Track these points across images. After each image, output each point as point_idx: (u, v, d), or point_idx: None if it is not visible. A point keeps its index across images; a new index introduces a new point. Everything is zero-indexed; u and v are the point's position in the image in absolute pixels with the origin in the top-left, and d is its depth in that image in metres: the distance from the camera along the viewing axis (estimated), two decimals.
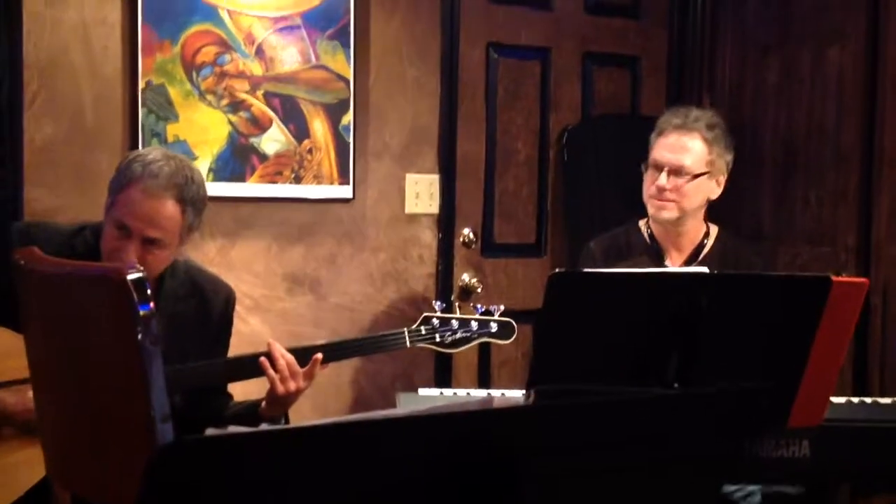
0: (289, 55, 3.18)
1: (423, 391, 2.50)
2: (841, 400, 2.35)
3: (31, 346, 1.53)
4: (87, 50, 2.94)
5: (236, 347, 2.36)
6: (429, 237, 3.51)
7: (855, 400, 2.39)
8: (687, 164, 2.58)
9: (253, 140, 3.16)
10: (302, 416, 2.72)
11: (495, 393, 2.54)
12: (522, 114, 3.66)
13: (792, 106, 3.59)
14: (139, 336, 1.22)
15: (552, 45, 3.69)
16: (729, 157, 2.66)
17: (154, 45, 2.99)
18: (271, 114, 3.17)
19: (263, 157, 3.18)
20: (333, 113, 3.26)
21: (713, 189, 2.64)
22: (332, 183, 3.28)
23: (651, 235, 2.70)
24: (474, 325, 2.29)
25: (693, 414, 1.21)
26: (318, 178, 3.26)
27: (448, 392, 2.55)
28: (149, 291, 1.24)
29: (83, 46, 2.93)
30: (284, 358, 2.14)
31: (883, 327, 3.25)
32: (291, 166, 3.21)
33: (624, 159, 2.78)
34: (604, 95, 3.81)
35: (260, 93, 3.15)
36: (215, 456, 0.80)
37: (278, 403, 2.17)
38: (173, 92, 3.02)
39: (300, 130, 3.22)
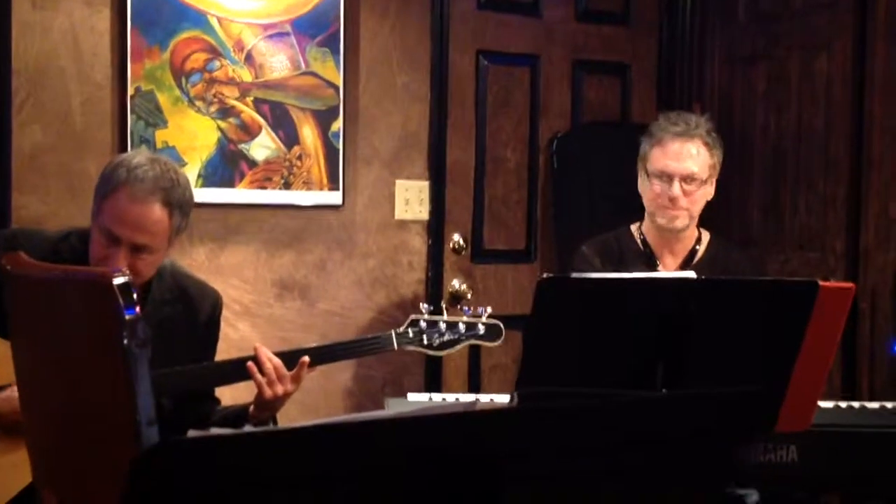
0: (278, 62, 3.18)
1: (411, 396, 2.50)
2: (829, 405, 2.36)
3: (17, 351, 1.53)
4: (76, 56, 2.94)
5: (226, 353, 2.36)
6: (418, 243, 3.51)
7: (843, 405, 2.40)
8: (696, 171, 2.58)
9: (242, 146, 3.16)
10: (291, 420, 2.71)
11: (484, 398, 2.54)
12: (512, 121, 3.66)
13: (780, 113, 3.61)
14: (125, 340, 1.21)
15: (542, 52, 3.70)
16: (721, 159, 2.68)
17: (143, 52, 2.99)
18: (261, 120, 3.18)
19: (253, 164, 3.18)
20: (323, 119, 3.26)
21: (711, 192, 2.66)
22: (321, 189, 3.28)
23: (644, 241, 2.70)
24: (462, 327, 2.28)
25: (679, 418, 1.21)
26: (307, 185, 3.26)
27: (437, 397, 2.55)
28: (135, 296, 1.24)
29: (72, 53, 2.93)
30: (271, 362, 2.14)
31: (872, 332, 3.25)
32: (281, 172, 3.22)
33: (614, 166, 2.79)
34: (593, 102, 3.82)
35: (249, 99, 3.15)
36: (199, 458, 0.80)
37: (266, 407, 2.17)
38: (162, 98, 3.03)
39: (290, 137, 3.22)
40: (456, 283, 3.55)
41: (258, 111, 3.17)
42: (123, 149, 2.98)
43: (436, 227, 3.52)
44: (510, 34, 3.63)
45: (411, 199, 3.47)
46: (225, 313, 2.40)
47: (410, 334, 2.26)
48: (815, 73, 3.47)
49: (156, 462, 0.79)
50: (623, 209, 2.77)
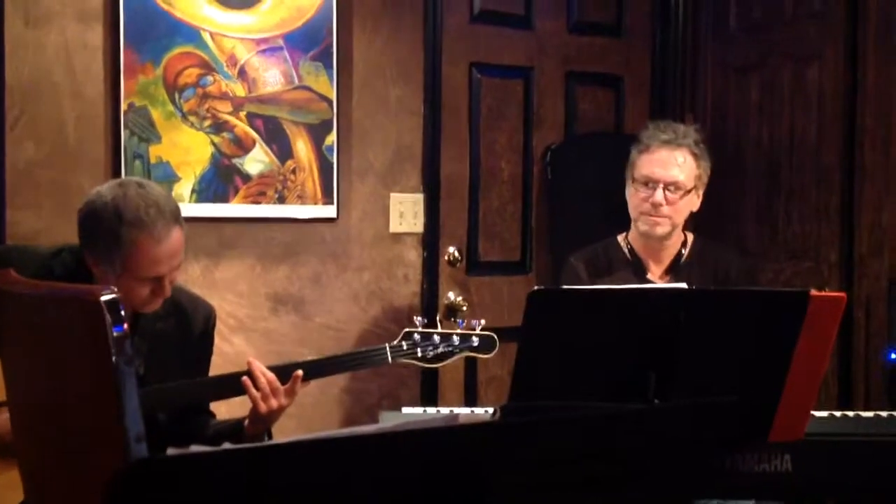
0: (271, 76, 3.19)
1: (406, 410, 2.49)
2: (823, 414, 2.36)
3: (6, 368, 1.53)
4: (70, 72, 2.95)
5: (221, 368, 2.36)
6: (413, 256, 3.51)
7: (837, 414, 2.39)
8: (681, 180, 2.60)
9: (236, 161, 3.16)
10: (286, 434, 2.70)
11: (479, 411, 2.54)
12: (506, 133, 3.67)
13: (773, 124, 3.62)
14: (113, 357, 1.21)
15: (535, 64, 3.71)
16: (709, 170, 2.69)
17: (136, 68, 3.00)
18: (254, 135, 3.18)
19: (247, 178, 3.18)
20: (317, 133, 3.27)
21: (696, 202, 2.68)
22: (315, 203, 3.28)
23: (631, 250, 2.71)
24: (456, 339, 2.28)
25: (668, 429, 1.22)
26: (301, 199, 3.26)
27: (432, 410, 2.55)
28: (122, 312, 1.24)
29: (65, 69, 2.94)
30: (265, 376, 2.14)
31: (866, 342, 3.26)
32: (275, 186, 3.22)
33: (608, 177, 2.79)
34: (587, 114, 3.83)
35: (243, 114, 3.16)
36: (176, 475, 0.80)
37: (261, 421, 2.17)
38: (156, 114, 3.03)
39: (283, 151, 3.23)
40: (451, 296, 3.55)
41: (252, 126, 3.18)
42: (117, 165, 2.99)
43: (430, 240, 3.52)
44: (503, 47, 3.65)
45: (406, 211, 3.47)
46: (220, 328, 2.40)
47: (404, 347, 2.26)
48: (807, 82, 3.48)
49: (133, 479, 0.79)
50: (618, 220, 2.78)
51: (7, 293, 1.48)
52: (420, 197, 3.50)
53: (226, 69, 3.13)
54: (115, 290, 1.27)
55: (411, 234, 3.50)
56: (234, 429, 2.24)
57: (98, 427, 1.28)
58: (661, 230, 2.62)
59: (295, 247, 3.31)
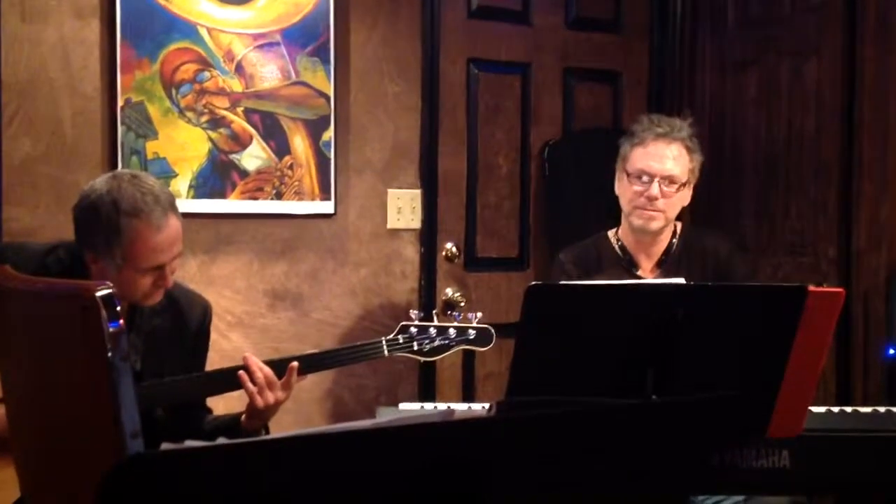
0: (269, 72, 3.18)
1: (403, 405, 2.49)
2: (821, 409, 2.35)
3: (2, 364, 1.52)
4: (66, 68, 2.94)
5: (218, 364, 2.35)
6: (411, 252, 3.51)
7: (835, 409, 2.39)
8: (676, 174, 2.60)
9: (233, 156, 3.16)
10: (284, 430, 2.71)
11: (476, 406, 2.53)
12: (503, 129, 3.67)
13: (771, 119, 3.61)
14: (108, 353, 1.21)
15: (532, 59, 3.70)
16: (701, 165, 2.69)
17: (133, 63, 2.99)
18: (251, 130, 3.17)
19: (244, 174, 3.17)
20: (314, 129, 3.26)
21: (688, 197, 2.67)
22: (313, 199, 3.28)
23: (622, 246, 2.71)
24: (452, 332, 2.28)
25: (665, 424, 1.21)
26: (299, 195, 3.25)
27: (429, 406, 2.54)
28: (118, 307, 1.23)
29: (62, 65, 2.93)
30: (262, 371, 2.14)
31: (865, 337, 3.25)
32: (272, 182, 3.21)
33: (605, 173, 2.79)
34: (585, 110, 3.82)
35: (240, 109, 3.15)
36: (169, 470, 0.79)
37: (258, 416, 2.18)
38: (152, 109, 3.02)
39: (281, 147, 3.22)
40: (449, 292, 3.55)
41: (249, 121, 3.17)
42: (114, 160, 2.98)
43: (428, 236, 3.51)
44: (501, 42, 3.64)
45: (403, 207, 3.47)
46: (217, 324, 2.40)
47: (400, 341, 2.26)
48: (805, 77, 3.48)
49: (127, 475, 0.79)
50: (615, 216, 2.78)
51: (3, 289, 1.48)
52: (418, 193, 3.49)
53: (223, 65, 3.12)
54: (111, 284, 1.27)
55: (409, 231, 3.49)
56: (231, 424, 2.24)
57: (94, 423, 1.28)
58: (655, 225, 2.61)
59: (292, 243, 3.30)
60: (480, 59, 3.60)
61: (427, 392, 3.51)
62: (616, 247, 2.71)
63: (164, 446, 0.88)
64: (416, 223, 3.49)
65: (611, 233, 2.75)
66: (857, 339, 3.26)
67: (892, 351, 3.07)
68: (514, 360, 1.88)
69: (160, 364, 2.18)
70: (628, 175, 2.63)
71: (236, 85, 3.14)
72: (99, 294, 1.22)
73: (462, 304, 3.51)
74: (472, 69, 3.59)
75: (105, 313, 1.21)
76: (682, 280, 2.26)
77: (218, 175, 3.13)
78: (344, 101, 3.33)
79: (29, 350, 1.45)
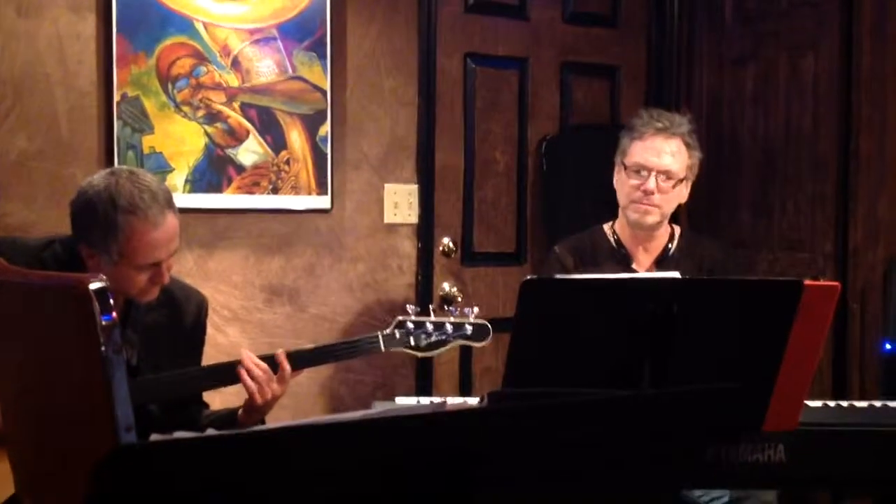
0: (265, 66, 3.18)
1: (399, 399, 2.49)
2: (817, 404, 2.35)
3: None
4: (62, 63, 2.93)
5: (215, 358, 2.35)
6: (408, 247, 3.50)
7: (831, 403, 2.39)
8: (674, 169, 2.60)
9: (230, 151, 3.15)
10: None
11: (472, 400, 2.53)
12: (501, 123, 3.66)
13: (769, 114, 3.61)
14: (102, 346, 1.21)
15: (530, 54, 3.70)
16: (699, 162, 2.69)
17: (129, 58, 2.98)
18: (248, 125, 3.17)
19: (240, 169, 3.17)
20: (311, 124, 3.26)
21: (685, 194, 2.67)
22: (310, 194, 3.28)
23: (617, 240, 2.71)
24: (449, 327, 2.27)
25: (659, 417, 1.21)
26: (295, 189, 3.25)
27: (425, 401, 2.54)
28: (112, 301, 1.23)
29: (57, 60, 2.92)
30: (259, 367, 2.14)
31: (861, 332, 3.26)
32: (269, 177, 3.21)
33: (603, 168, 2.79)
34: (582, 104, 3.82)
35: (236, 104, 3.15)
36: (160, 462, 0.79)
37: (256, 411, 2.19)
38: (149, 104, 3.02)
39: (277, 141, 3.21)
40: (446, 287, 3.54)
41: (245, 116, 3.16)
42: (110, 155, 2.97)
43: (425, 231, 3.51)
44: (498, 37, 3.63)
45: (400, 202, 3.47)
46: (214, 319, 2.40)
47: (397, 336, 2.25)
48: (802, 72, 3.48)
49: (117, 466, 0.79)
50: (612, 211, 2.77)
51: None
52: (414, 188, 3.49)
53: (219, 59, 3.11)
54: (104, 278, 1.27)
55: (406, 225, 3.49)
56: (227, 419, 2.24)
57: (87, 416, 1.28)
58: (650, 219, 2.61)
59: (289, 238, 3.30)
60: (478, 53, 3.60)
61: (424, 387, 3.51)
62: (612, 240, 2.71)
63: (154, 437, 0.88)
64: (413, 218, 3.49)
65: (606, 226, 2.75)
66: (853, 334, 3.27)
67: (888, 346, 3.07)
68: (509, 354, 1.87)
69: (156, 359, 2.17)
70: (626, 168, 2.63)
71: (233, 80, 3.14)
72: (92, 287, 1.23)
73: (459, 298, 3.51)
74: (469, 63, 3.59)
75: (98, 306, 1.21)
76: (677, 274, 2.26)
77: (214, 170, 3.13)
78: (340, 96, 3.33)
79: (23, 343, 1.45)
